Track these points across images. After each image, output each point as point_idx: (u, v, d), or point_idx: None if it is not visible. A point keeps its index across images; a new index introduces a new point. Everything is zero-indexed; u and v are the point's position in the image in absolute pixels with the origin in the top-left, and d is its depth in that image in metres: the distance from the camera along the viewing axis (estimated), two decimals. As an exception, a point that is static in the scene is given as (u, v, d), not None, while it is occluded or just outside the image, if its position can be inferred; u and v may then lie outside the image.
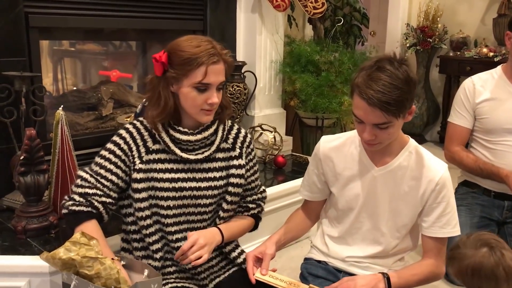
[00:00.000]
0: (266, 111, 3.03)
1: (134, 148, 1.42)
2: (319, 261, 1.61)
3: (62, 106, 1.80)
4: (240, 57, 2.94)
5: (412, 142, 1.51)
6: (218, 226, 1.50)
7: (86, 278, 1.22)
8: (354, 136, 1.54)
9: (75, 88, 2.92)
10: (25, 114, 1.94)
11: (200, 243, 1.38)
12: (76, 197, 1.38)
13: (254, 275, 1.46)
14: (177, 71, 1.35)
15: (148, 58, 3.08)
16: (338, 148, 1.55)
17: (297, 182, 2.31)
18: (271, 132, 2.78)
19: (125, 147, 1.42)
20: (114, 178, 1.41)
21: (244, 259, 1.55)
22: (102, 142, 1.49)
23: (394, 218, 1.51)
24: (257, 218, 1.63)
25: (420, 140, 4.51)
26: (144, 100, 2.01)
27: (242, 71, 2.83)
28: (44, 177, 1.67)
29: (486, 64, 3.88)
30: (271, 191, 1.64)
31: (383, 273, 1.45)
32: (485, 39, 4.12)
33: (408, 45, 4.24)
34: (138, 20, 2.47)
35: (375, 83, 1.29)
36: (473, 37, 4.24)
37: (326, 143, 1.58)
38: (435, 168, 1.47)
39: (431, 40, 4.16)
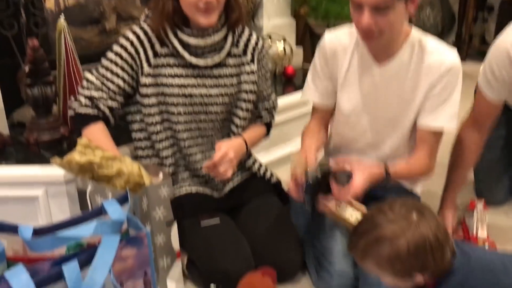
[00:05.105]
0: (275, 21, 2.92)
1: (141, 52, 1.38)
2: None
3: (62, 15, 1.73)
4: (246, -38, 2.78)
5: (414, 33, 1.39)
6: (242, 136, 1.50)
7: (106, 178, 1.22)
8: (355, 31, 1.43)
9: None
10: (26, 27, 1.88)
11: (230, 157, 1.37)
12: (83, 100, 1.38)
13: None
14: None
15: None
16: (342, 44, 1.46)
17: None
18: (281, 41, 2.69)
19: (132, 50, 1.38)
20: (120, 82, 1.38)
21: (258, 168, 1.58)
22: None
23: (398, 116, 1.44)
24: (269, 126, 1.63)
25: (434, 50, 4.37)
26: (146, 9, 1.93)
27: (249, -23, 2.69)
28: (51, 88, 1.65)
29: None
30: (280, 102, 1.63)
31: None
32: None
33: None
34: None
35: None
36: None
37: (332, 39, 1.48)
38: (441, 55, 1.36)
39: None
